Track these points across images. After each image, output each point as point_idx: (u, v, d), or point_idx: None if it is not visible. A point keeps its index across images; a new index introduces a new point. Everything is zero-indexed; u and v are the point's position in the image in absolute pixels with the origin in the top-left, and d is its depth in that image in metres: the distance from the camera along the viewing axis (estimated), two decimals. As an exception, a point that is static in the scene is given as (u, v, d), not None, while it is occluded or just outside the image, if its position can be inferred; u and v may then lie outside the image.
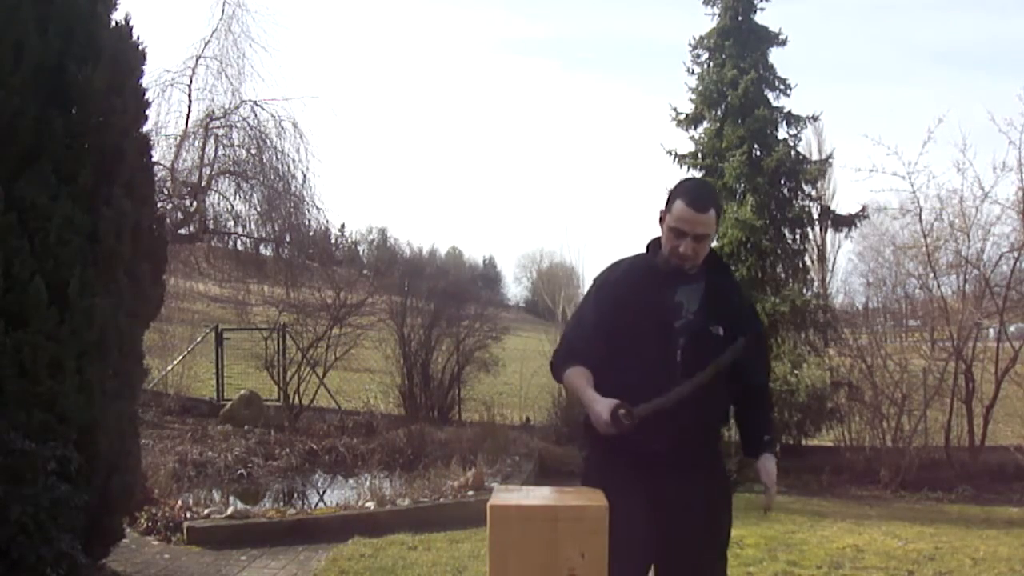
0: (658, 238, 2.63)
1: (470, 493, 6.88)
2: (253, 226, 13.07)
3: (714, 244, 10.84)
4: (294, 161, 12.50)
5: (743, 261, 10.04)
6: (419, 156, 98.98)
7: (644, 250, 2.69)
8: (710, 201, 2.53)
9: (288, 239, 13.06)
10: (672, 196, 2.55)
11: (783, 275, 10.43)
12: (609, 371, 2.44)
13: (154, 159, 5.71)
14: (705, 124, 11.06)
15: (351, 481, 8.64)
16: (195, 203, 12.31)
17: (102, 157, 4.32)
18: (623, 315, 2.48)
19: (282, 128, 12.39)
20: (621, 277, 2.63)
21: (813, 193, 11.02)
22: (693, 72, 11.14)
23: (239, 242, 13.85)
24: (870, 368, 8.96)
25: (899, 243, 9.94)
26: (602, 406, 2.30)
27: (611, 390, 2.37)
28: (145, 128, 4.91)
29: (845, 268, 17.78)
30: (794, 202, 10.52)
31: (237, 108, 12.30)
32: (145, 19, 8.89)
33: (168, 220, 10.88)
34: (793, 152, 10.64)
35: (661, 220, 2.59)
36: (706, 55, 11.08)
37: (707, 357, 2.43)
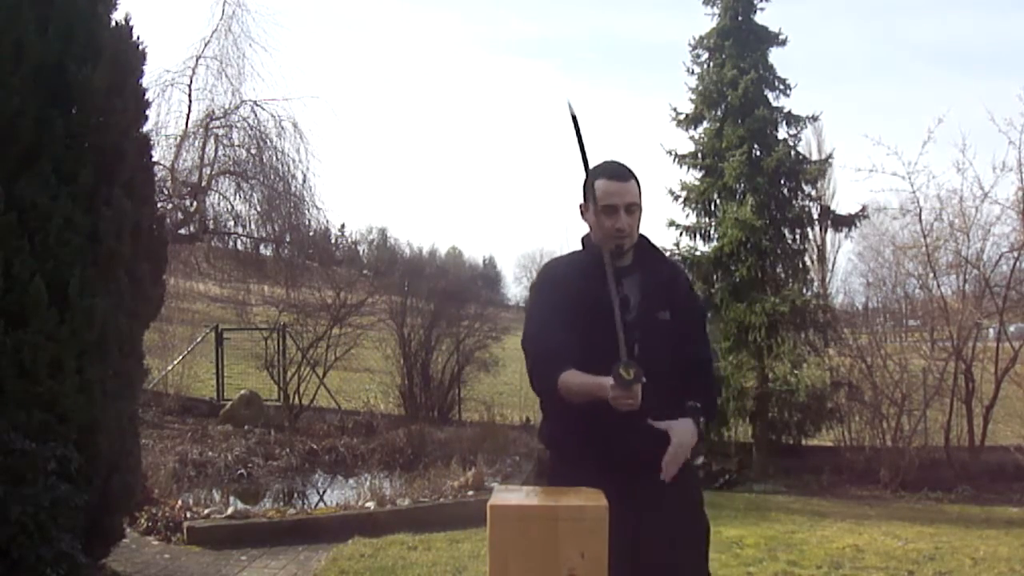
0: (587, 235, 2.59)
1: (470, 493, 6.88)
2: (253, 226, 13.09)
3: (714, 244, 10.82)
4: (294, 161, 12.51)
5: (743, 261, 10.04)
6: (419, 156, 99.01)
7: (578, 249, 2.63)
8: (628, 172, 2.51)
9: (288, 239, 13.07)
10: (589, 182, 2.48)
11: (783, 275, 10.42)
12: None
13: (154, 159, 5.72)
14: (705, 124, 11.06)
15: (351, 481, 8.65)
16: (195, 203, 12.31)
17: (102, 157, 4.32)
18: (576, 314, 2.40)
19: (282, 128, 12.40)
20: (564, 276, 2.56)
21: (813, 193, 11.02)
22: (693, 72, 11.13)
23: (239, 242, 13.86)
24: (870, 368, 8.96)
25: (899, 243, 9.96)
26: (610, 383, 2.20)
27: None
28: (145, 128, 4.92)
29: (845, 268, 17.80)
30: (794, 202, 10.51)
31: (237, 108, 12.31)
32: (145, 19, 8.90)
33: (168, 220, 10.88)
34: (793, 152, 10.64)
35: (583, 213, 2.57)
36: (706, 55, 11.07)
37: (662, 345, 2.42)
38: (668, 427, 2.37)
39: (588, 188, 2.50)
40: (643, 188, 2.55)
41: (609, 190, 2.45)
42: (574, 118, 2.30)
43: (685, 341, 2.52)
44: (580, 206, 2.59)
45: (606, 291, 2.32)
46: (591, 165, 2.48)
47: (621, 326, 2.25)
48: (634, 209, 2.47)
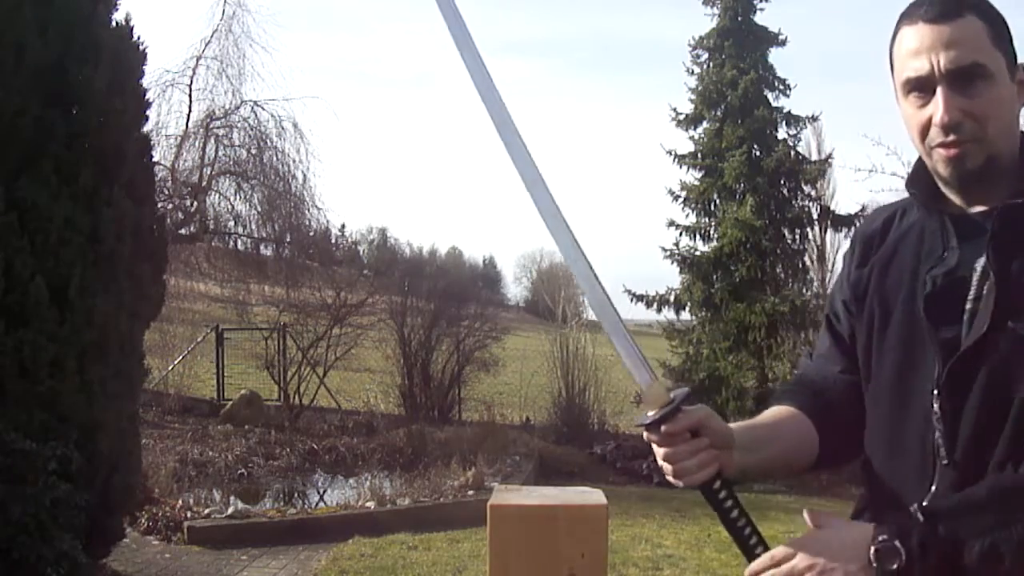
0: (919, 163, 1.29)
1: (470, 493, 6.89)
2: (253, 226, 13.09)
3: (714, 244, 10.75)
4: (294, 161, 12.52)
5: (743, 261, 10.05)
6: (419, 156, 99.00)
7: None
8: (960, 3, 1.19)
9: (288, 239, 13.07)
10: (894, 36, 1.25)
11: (783, 275, 10.44)
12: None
13: (155, 159, 5.73)
14: (705, 124, 11.07)
15: (351, 481, 8.65)
16: (195, 203, 12.32)
17: (103, 157, 4.33)
18: (853, 327, 1.37)
19: (282, 128, 12.41)
20: (853, 251, 1.41)
21: (813, 193, 11.04)
22: (693, 72, 11.15)
23: (239, 242, 13.85)
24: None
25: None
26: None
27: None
28: (146, 128, 4.93)
29: (845, 268, 17.76)
30: (794, 202, 10.53)
31: (237, 108, 12.32)
32: (145, 19, 8.91)
33: (168, 220, 10.88)
34: (793, 152, 10.66)
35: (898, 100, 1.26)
36: (706, 55, 11.09)
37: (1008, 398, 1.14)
38: (807, 534, 1.17)
39: (893, 45, 1.26)
40: (993, 40, 1.20)
41: (916, 45, 1.18)
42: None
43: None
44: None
45: (917, 278, 1.25)
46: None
47: (936, 349, 1.19)
48: (970, 79, 1.16)
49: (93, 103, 4.29)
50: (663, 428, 1.16)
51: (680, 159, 11.05)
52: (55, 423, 3.95)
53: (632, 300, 11.74)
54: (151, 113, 5.47)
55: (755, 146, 10.50)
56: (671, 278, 11.45)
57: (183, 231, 12.21)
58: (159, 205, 8.96)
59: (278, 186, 12.54)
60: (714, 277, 10.59)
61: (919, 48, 1.18)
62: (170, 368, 12.45)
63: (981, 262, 1.18)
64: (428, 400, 11.57)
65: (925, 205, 1.28)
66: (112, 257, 4.31)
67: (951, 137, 1.18)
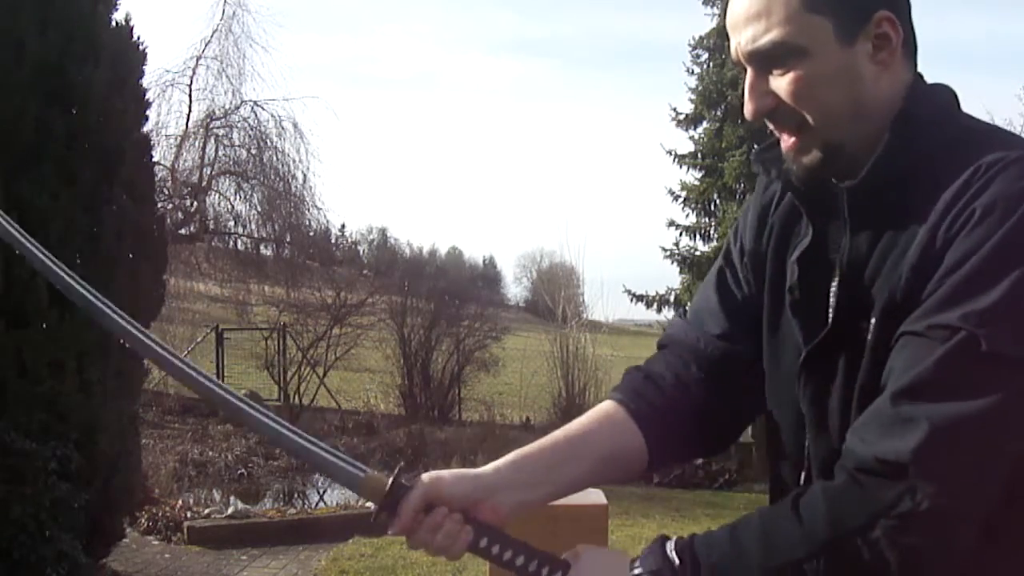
0: None
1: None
2: (253, 226, 13.12)
3: (714, 244, 10.77)
4: (294, 161, 12.55)
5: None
6: (419, 156, 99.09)
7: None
8: None
9: (288, 239, 13.09)
10: None
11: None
12: None
13: (155, 159, 5.73)
14: (705, 124, 11.10)
15: (351, 481, 8.64)
16: (195, 203, 12.34)
17: (103, 157, 4.33)
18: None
19: (282, 128, 12.44)
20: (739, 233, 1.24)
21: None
22: (693, 72, 11.17)
23: (239, 242, 13.88)
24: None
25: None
26: None
27: None
28: (146, 128, 4.93)
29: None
30: (794, 202, 10.54)
31: (237, 108, 12.35)
32: (145, 19, 8.91)
33: (168, 220, 10.89)
34: (793, 152, 10.66)
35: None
36: (706, 55, 11.11)
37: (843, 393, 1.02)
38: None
39: None
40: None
41: (727, 23, 1.05)
42: None
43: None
44: None
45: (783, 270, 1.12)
46: None
47: (802, 347, 1.06)
48: (784, 57, 0.98)
49: (93, 103, 4.29)
50: (393, 522, 1.02)
51: (680, 159, 11.07)
52: (55, 423, 3.95)
53: (632, 300, 11.76)
54: (151, 113, 5.48)
55: (755, 146, 10.51)
56: (671, 278, 11.47)
57: (183, 231, 12.22)
58: (159, 205, 8.97)
59: (278, 186, 12.56)
60: (714, 277, 10.60)
61: (729, 24, 1.01)
62: (170, 368, 12.44)
63: (844, 244, 1.01)
64: (428, 400, 11.57)
65: (790, 187, 1.07)
66: (112, 257, 4.31)
67: (772, 126, 1.03)
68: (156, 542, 5.85)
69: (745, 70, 1.01)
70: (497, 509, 1.05)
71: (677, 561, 0.90)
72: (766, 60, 0.98)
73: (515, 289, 45.96)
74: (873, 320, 0.95)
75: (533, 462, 1.11)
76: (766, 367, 1.13)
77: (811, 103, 0.97)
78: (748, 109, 1.01)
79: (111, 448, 4.30)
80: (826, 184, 1.03)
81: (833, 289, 1.02)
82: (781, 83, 0.98)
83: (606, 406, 1.20)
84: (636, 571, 0.94)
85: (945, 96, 1.02)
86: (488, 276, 44.64)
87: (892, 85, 0.99)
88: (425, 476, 1.03)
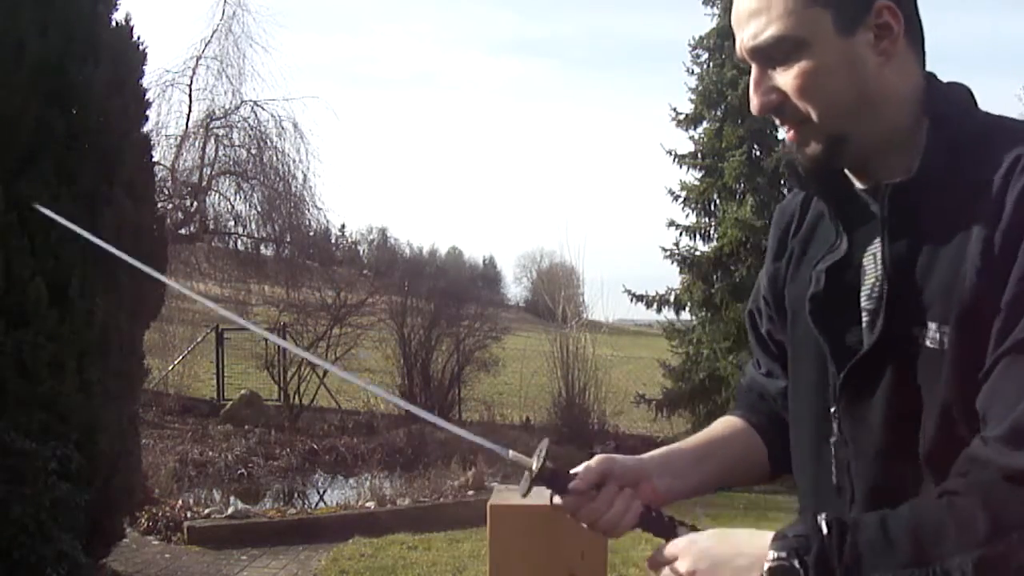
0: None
1: (470, 493, 6.89)
2: (253, 226, 13.11)
3: (714, 244, 10.76)
4: (294, 161, 12.54)
5: (743, 261, 10.06)
6: (419, 156, 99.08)
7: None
8: None
9: (288, 239, 13.08)
10: None
11: (783, 275, 10.45)
12: None
13: (155, 159, 5.73)
14: (705, 124, 11.08)
15: (351, 481, 8.65)
16: (195, 203, 12.33)
17: (102, 157, 4.33)
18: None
19: (282, 128, 12.43)
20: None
21: (813, 193, 11.05)
22: (693, 72, 11.16)
23: (239, 242, 13.87)
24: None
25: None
26: None
27: None
28: (145, 128, 4.93)
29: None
30: (794, 202, 10.55)
31: (237, 108, 12.34)
32: (145, 19, 8.92)
33: (168, 220, 10.88)
34: (793, 152, 10.67)
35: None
36: (706, 55, 11.10)
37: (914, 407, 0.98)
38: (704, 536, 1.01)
39: None
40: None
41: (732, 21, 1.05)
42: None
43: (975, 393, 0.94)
44: None
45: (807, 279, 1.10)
46: None
47: (832, 359, 1.04)
48: (785, 51, 0.98)
49: (93, 103, 4.29)
50: (568, 493, 1.09)
51: (680, 159, 11.06)
52: (55, 423, 3.95)
53: (632, 300, 11.75)
54: (151, 113, 5.48)
55: (755, 146, 10.51)
56: (671, 278, 11.46)
57: (183, 231, 12.22)
58: (159, 205, 8.97)
59: (278, 186, 12.56)
60: (714, 277, 10.59)
61: (733, 21, 1.02)
62: (170, 368, 12.46)
63: (874, 250, 1.00)
64: (428, 400, 11.57)
65: (802, 184, 1.10)
66: (112, 257, 4.31)
67: (778, 120, 1.02)
68: (156, 542, 5.85)
69: (750, 67, 1.01)
70: (656, 490, 1.11)
71: (826, 530, 0.88)
72: (769, 55, 0.98)
73: (515, 289, 45.98)
74: (935, 325, 0.93)
75: (681, 455, 1.19)
76: (789, 383, 1.16)
77: (815, 96, 0.97)
78: (754, 104, 1.01)
79: (111, 448, 4.30)
80: (849, 189, 1.03)
81: (870, 293, 1.00)
82: (785, 78, 0.98)
83: (731, 419, 1.27)
84: (788, 533, 0.91)
85: (965, 93, 1.02)
86: (488, 276, 44.66)
87: (899, 76, 0.98)
88: (597, 456, 1.09)
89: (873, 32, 0.96)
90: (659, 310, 11.57)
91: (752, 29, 0.98)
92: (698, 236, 10.94)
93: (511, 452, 1.10)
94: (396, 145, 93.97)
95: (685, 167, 11.03)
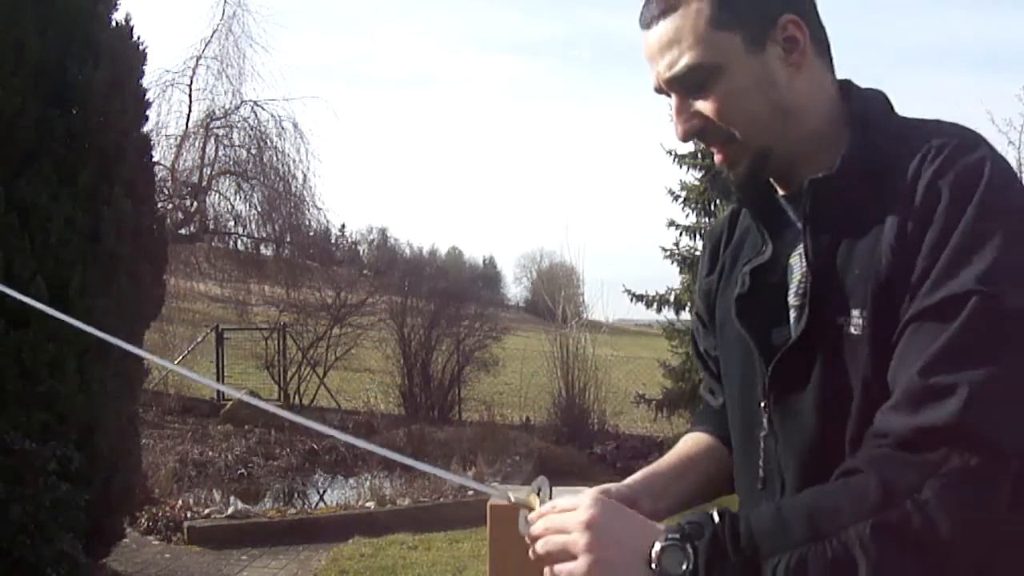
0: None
1: (470, 493, 6.89)
2: (253, 226, 13.11)
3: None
4: (294, 161, 12.55)
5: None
6: (419, 156, 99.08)
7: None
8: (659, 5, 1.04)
9: (288, 239, 13.09)
10: None
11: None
12: None
13: (155, 159, 5.73)
14: (705, 124, 11.07)
15: (351, 481, 8.65)
16: (195, 203, 12.34)
17: (102, 157, 4.33)
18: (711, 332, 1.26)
19: (282, 128, 12.44)
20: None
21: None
22: (693, 72, 11.14)
23: (239, 242, 13.88)
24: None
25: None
26: None
27: None
28: (145, 128, 4.93)
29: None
30: (794, 202, 10.54)
31: (237, 108, 12.35)
32: (145, 19, 8.92)
33: (168, 220, 10.89)
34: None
35: None
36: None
37: (842, 398, 1.00)
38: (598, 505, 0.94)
39: None
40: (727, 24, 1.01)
41: (643, 55, 1.08)
42: None
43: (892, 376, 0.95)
44: None
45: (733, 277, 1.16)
46: None
47: (760, 357, 1.06)
48: (702, 79, 1.01)
49: (93, 103, 4.29)
50: None
51: (680, 159, 11.05)
52: (55, 423, 3.95)
53: (632, 300, 11.73)
54: (151, 113, 5.48)
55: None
56: (671, 278, 11.44)
57: (183, 231, 12.22)
58: (159, 205, 8.97)
59: (278, 186, 12.57)
60: (714, 277, 10.58)
61: (646, 56, 1.05)
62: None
63: (800, 251, 1.03)
64: (428, 400, 11.57)
65: (725, 196, 1.17)
66: (112, 257, 4.31)
67: (704, 143, 1.06)
68: (156, 542, 5.86)
69: (669, 96, 1.04)
70: (644, 512, 1.09)
71: (718, 519, 0.88)
72: (686, 84, 1.01)
73: (515, 289, 46.01)
74: (857, 312, 0.95)
75: (661, 476, 1.22)
76: (724, 391, 1.19)
77: (736, 116, 1.01)
78: (678, 132, 1.04)
79: (111, 448, 4.31)
80: (772, 198, 1.08)
81: (797, 290, 1.03)
82: (705, 103, 1.01)
83: (698, 436, 1.30)
84: (682, 522, 0.91)
85: (882, 97, 1.06)
86: (488, 276, 44.69)
87: (811, 85, 1.02)
88: (593, 491, 1.03)
89: (781, 46, 1.00)
90: (659, 310, 11.55)
91: (667, 60, 1.01)
92: (698, 236, 10.92)
93: (511, 494, 1.07)
94: (396, 145, 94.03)
95: (685, 167, 11.02)
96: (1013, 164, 7.81)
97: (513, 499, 1.07)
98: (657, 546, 0.87)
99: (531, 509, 1.01)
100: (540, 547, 0.95)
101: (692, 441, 1.30)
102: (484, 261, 51.76)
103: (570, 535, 0.91)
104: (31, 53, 4.08)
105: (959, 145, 0.94)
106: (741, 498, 1.17)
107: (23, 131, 4.04)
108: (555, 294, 12.32)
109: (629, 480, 1.19)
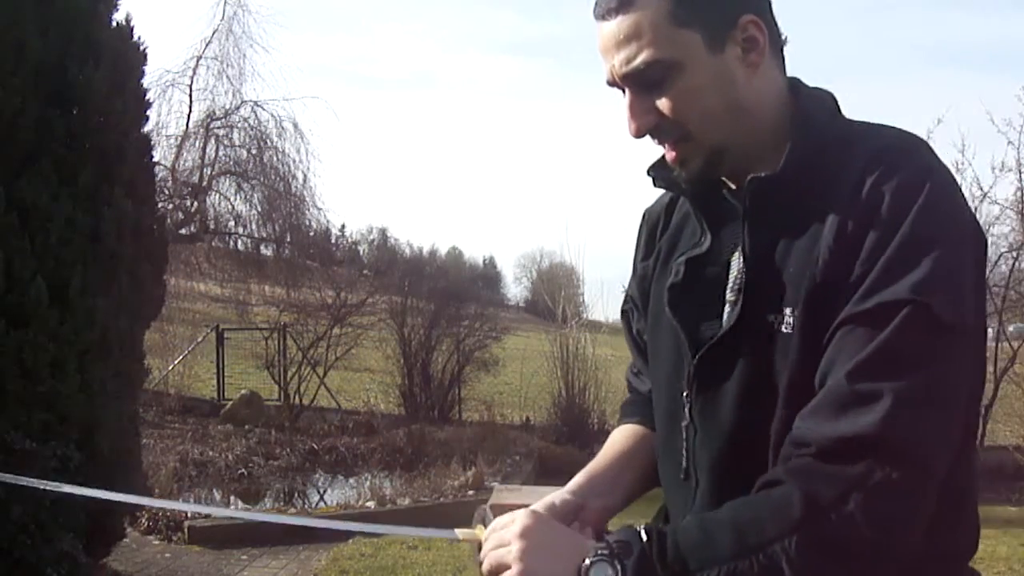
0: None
1: (470, 493, 6.89)
2: (254, 226, 13.13)
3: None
4: (294, 161, 12.56)
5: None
6: (419, 156, 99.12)
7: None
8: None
9: (288, 239, 13.10)
10: None
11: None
12: None
13: (155, 159, 5.72)
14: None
15: (351, 481, 8.66)
16: (196, 203, 12.35)
17: (103, 157, 4.33)
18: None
19: (282, 128, 12.45)
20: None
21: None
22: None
23: (240, 242, 13.90)
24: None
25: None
26: None
27: None
28: (146, 128, 4.92)
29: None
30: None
31: (238, 108, 12.37)
32: (145, 19, 8.92)
33: (169, 220, 10.90)
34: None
35: None
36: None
37: (767, 396, 0.99)
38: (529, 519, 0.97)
39: None
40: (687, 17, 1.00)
41: (598, 46, 1.04)
42: None
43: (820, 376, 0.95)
44: None
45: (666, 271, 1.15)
46: None
47: (688, 349, 1.06)
48: (660, 75, 1.00)
49: (93, 103, 4.29)
50: None
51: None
52: (56, 423, 3.95)
53: (632, 300, 11.74)
54: (151, 113, 5.47)
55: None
56: (671, 278, 11.47)
57: (183, 231, 12.23)
58: (159, 205, 8.97)
59: (278, 186, 12.57)
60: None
61: (601, 49, 1.02)
62: (170, 368, 12.46)
63: (743, 238, 1.02)
64: (428, 400, 11.57)
65: (672, 189, 1.13)
66: (112, 257, 4.31)
67: (656, 141, 1.04)
68: (156, 542, 5.86)
69: (623, 91, 1.02)
70: (596, 512, 1.16)
71: (645, 537, 0.89)
72: (644, 80, 1.00)
73: (515, 289, 45.93)
74: (789, 310, 0.95)
75: (601, 475, 1.23)
76: (651, 379, 1.20)
77: (692, 114, 1.00)
78: (631, 128, 1.02)
79: (111, 448, 4.30)
80: (717, 192, 1.07)
81: (733, 285, 1.03)
82: (661, 100, 1.00)
83: (628, 428, 1.30)
84: (610, 539, 0.91)
85: (829, 97, 1.06)
86: (488, 276, 44.65)
87: (766, 84, 1.02)
88: (525, 512, 0.99)
89: (740, 46, 1.00)
90: (659, 310, 11.58)
91: (624, 55, 0.99)
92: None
93: (458, 532, 1.09)
94: (396, 145, 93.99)
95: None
96: (1012, 164, 7.62)
97: (461, 536, 1.07)
98: (587, 561, 0.88)
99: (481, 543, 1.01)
100: (484, 565, 0.96)
101: (626, 433, 1.29)
102: (484, 261, 51.69)
103: (508, 547, 0.93)
104: (31, 53, 4.08)
105: (903, 151, 0.95)
106: (664, 487, 1.17)
107: (23, 131, 4.04)
108: (555, 294, 12.33)
109: (571, 486, 1.20)
